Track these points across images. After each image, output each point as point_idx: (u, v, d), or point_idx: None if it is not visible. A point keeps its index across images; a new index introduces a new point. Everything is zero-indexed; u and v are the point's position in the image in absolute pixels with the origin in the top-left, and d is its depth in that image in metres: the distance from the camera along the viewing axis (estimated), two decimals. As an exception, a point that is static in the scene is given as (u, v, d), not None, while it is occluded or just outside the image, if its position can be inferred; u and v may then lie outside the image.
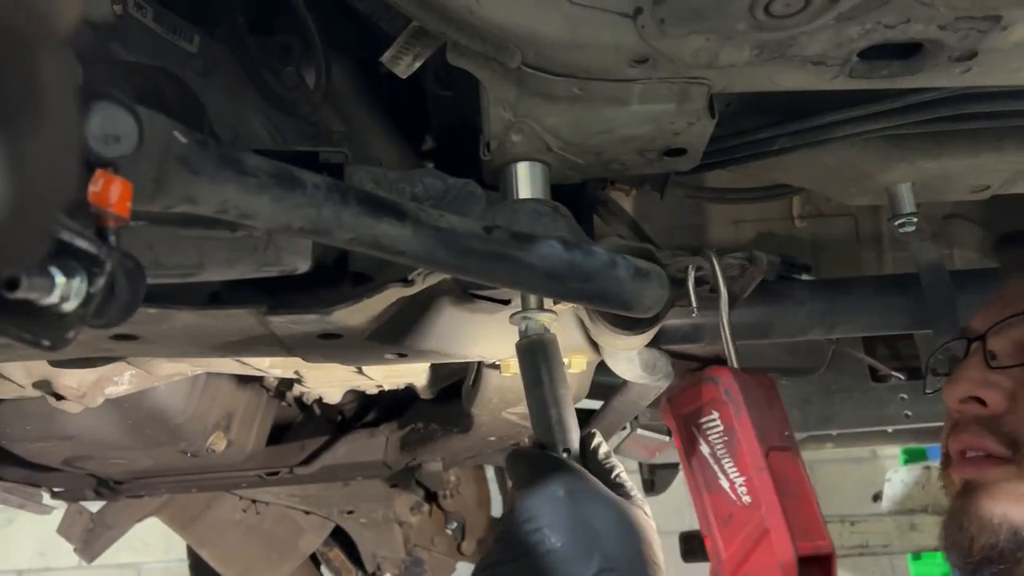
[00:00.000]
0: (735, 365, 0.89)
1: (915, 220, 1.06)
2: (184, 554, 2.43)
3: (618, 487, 0.78)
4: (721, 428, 0.85)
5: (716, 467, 0.85)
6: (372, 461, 1.74)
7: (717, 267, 0.83)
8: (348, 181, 0.76)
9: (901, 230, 1.07)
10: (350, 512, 2.11)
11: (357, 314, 0.82)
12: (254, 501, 2.08)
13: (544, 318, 0.81)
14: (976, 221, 1.50)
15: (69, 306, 0.46)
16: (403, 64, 0.81)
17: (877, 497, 3.09)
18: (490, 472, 2.43)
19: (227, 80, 0.96)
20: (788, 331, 1.20)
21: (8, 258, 0.39)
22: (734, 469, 0.83)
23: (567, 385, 0.80)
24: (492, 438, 1.56)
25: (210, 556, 2.09)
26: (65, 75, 0.40)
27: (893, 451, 3.68)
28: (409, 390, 1.56)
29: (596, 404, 1.56)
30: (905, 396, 1.57)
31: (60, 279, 0.46)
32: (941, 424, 0.98)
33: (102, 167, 0.49)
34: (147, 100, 0.79)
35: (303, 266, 0.74)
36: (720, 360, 0.99)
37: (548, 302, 0.84)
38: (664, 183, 1.09)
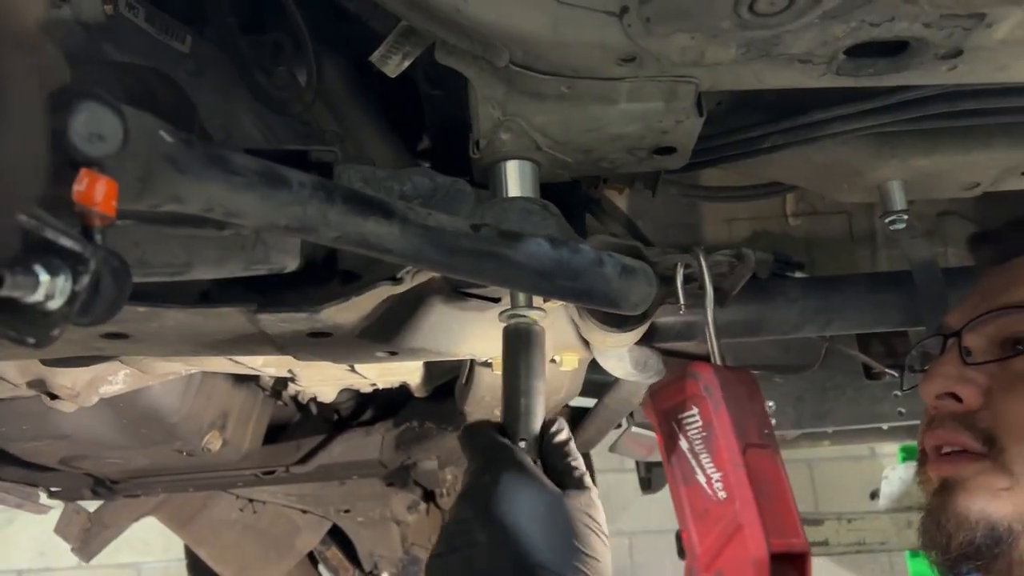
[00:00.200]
0: (718, 362, 0.89)
1: (906, 217, 1.06)
2: (184, 554, 2.43)
3: (570, 476, 0.80)
4: (700, 423, 0.86)
5: (694, 462, 0.85)
6: (368, 460, 1.74)
7: (703, 264, 0.83)
8: (337, 180, 0.77)
9: (892, 227, 1.07)
10: (347, 511, 2.12)
11: (346, 312, 0.82)
12: (251, 500, 2.08)
13: (533, 315, 0.82)
14: (970, 218, 1.51)
15: (54, 304, 0.47)
16: (392, 63, 0.81)
17: (875, 495, 3.09)
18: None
19: (219, 80, 0.97)
20: (781, 328, 1.21)
21: None
22: (711, 464, 0.84)
23: (543, 377, 0.81)
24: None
25: (207, 555, 2.10)
26: (30, 73, 0.41)
27: (891, 449, 3.68)
28: (404, 389, 1.56)
29: (590, 402, 1.57)
30: (899, 393, 1.57)
31: (44, 277, 0.46)
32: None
33: (87, 166, 0.49)
34: (138, 100, 0.80)
35: (292, 264, 0.74)
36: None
37: (538, 300, 0.84)
38: (655, 181, 1.09)
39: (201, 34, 0.96)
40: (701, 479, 0.84)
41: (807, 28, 0.69)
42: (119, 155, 0.51)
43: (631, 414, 1.71)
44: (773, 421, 1.58)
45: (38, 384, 1.16)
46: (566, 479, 0.79)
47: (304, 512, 2.13)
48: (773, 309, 1.18)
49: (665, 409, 0.89)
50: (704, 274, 0.83)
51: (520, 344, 0.81)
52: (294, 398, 1.74)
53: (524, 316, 0.82)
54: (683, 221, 1.50)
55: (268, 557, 2.10)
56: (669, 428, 0.88)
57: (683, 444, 0.86)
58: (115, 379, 1.22)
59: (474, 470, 0.79)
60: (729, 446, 0.83)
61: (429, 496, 2.25)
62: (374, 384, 1.45)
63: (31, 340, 0.46)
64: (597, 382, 1.53)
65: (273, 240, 0.72)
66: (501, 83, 0.79)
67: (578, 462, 0.81)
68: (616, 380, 1.29)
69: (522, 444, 0.80)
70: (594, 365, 1.16)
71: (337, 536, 2.25)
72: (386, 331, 0.91)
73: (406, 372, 1.36)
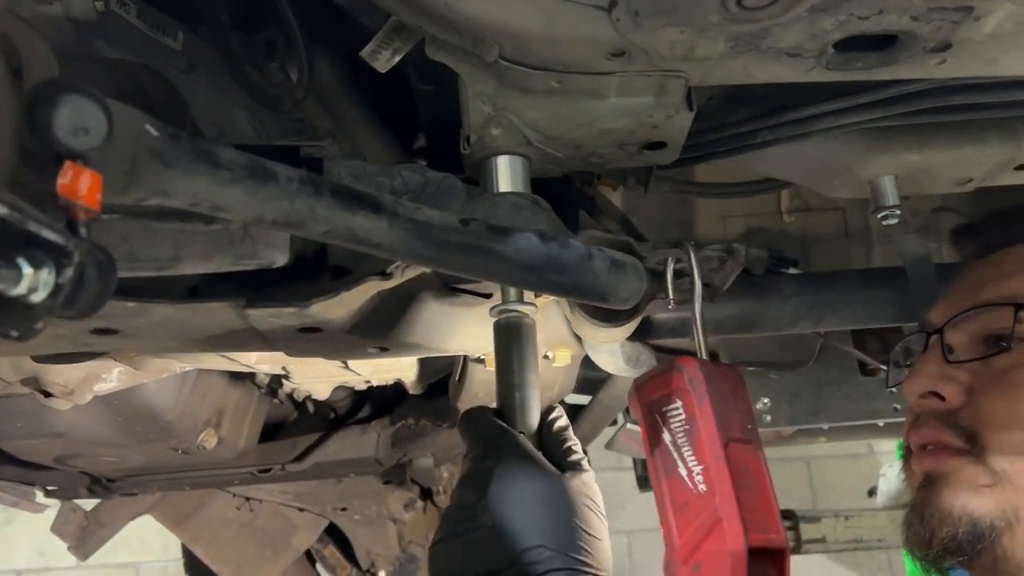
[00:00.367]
0: (704, 356, 0.89)
1: (898, 213, 1.06)
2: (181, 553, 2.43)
3: (569, 460, 0.81)
4: (683, 417, 0.86)
5: (676, 454, 0.85)
6: (364, 458, 1.75)
7: (693, 259, 0.83)
8: (327, 175, 0.77)
9: (885, 223, 1.07)
10: (344, 509, 2.12)
11: (336, 307, 0.82)
12: (247, 499, 2.09)
13: (524, 309, 0.82)
14: (964, 214, 1.50)
15: (37, 297, 0.47)
16: (382, 59, 0.81)
17: (872, 492, 3.10)
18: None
19: (211, 77, 0.97)
20: (775, 324, 1.21)
21: None
22: (692, 457, 0.84)
23: (537, 370, 0.81)
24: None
25: (204, 554, 2.10)
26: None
27: (889, 447, 3.68)
28: (400, 386, 1.56)
29: (585, 399, 1.57)
30: (894, 390, 1.57)
31: (28, 270, 0.46)
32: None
33: (71, 159, 0.50)
34: (129, 97, 0.80)
35: (281, 260, 0.74)
36: (708, 354, 0.99)
37: (529, 295, 0.84)
38: (647, 177, 1.09)
39: (194, 31, 0.96)
40: (682, 472, 0.84)
41: (795, 22, 0.69)
42: (104, 148, 0.51)
43: (626, 411, 1.72)
44: (768, 418, 1.58)
45: (31, 382, 1.16)
46: (565, 463, 0.81)
47: (301, 510, 2.13)
48: (767, 305, 1.18)
49: (649, 401, 0.88)
50: (693, 268, 0.83)
51: (512, 338, 0.81)
52: (290, 396, 1.74)
53: (515, 311, 0.82)
54: (678, 218, 1.50)
55: (265, 555, 2.10)
56: (653, 420, 0.87)
57: (666, 437, 0.86)
58: (109, 377, 1.22)
59: (475, 455, 0.80)
60: (711, 439, 0.83)
61: (426, 494, 2.25)
62: (368, 381, 1.45)
63: (14, 333, 0.46)
64: (591, 379, 1.53)
65: (261, 235, 0.72)
66: (491, 78, 0.79)
67: (577, 446, 0.83)
68: (610, 376, 1.29)
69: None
70: (588, 362, 1.17)
71: (334, 534, 2.25)
72: (377, 327, 0.91)
73: (400, 369, 1.36)
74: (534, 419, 0.82)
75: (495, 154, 0.86)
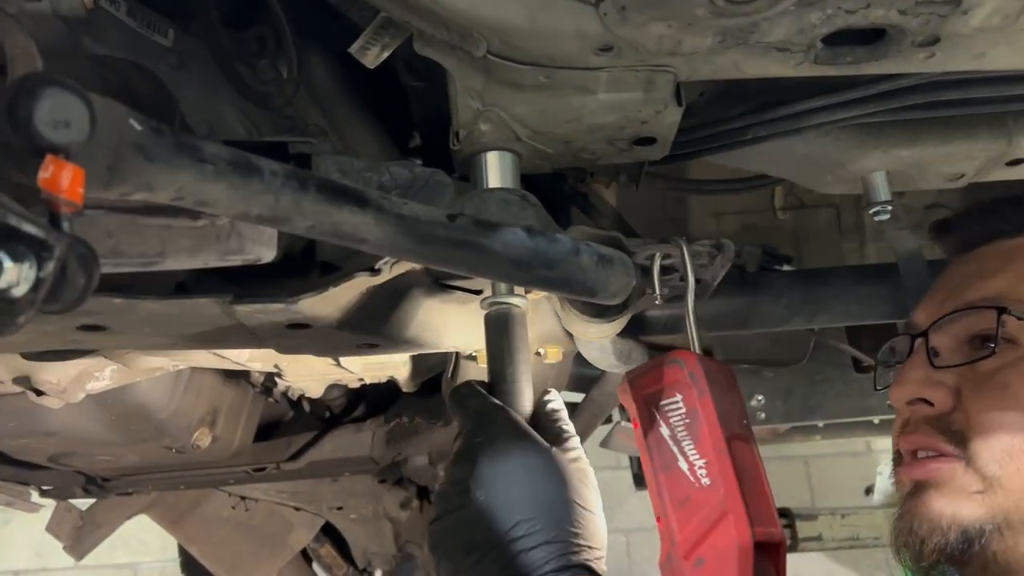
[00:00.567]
0: (698, 351, 0.89)
1: (890, 208, 1.06)
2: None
3: (561, 436, 0.82)
4: (683, 411, 0.85)
5: (675, 449, 0.85)
6: (359, 456, 1.75)
7: (685, 252, 0.83)
8: (315, 170, 0.76)
9: (876, 218, 1.07)
10: (340, 508, 2.12)
11: (323, 303, 0.82)
12: (243, 498, 2.08)
13: (514, 301, 0.82)
14: (957, 211, 1.50)
15: (19, 291, 0.47)
16: (371, 54, 0.81)
17: (870, 490, 3.10)
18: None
19: (202, 74, 0.97)
20: (768, 321, 1.21)
21: None
22: (694, 452, 0.83)
23: (528, 360, 0.82)
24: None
25: (199, 553, 2.10)
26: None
27: (887, 445, 3.67)
28: (394, 384, 1.56)
29: (578, 398, 1.57)
30: (881, 388, 1.57)
31: (8, 264, 0.46)
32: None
33: (52, 153, 0.49)
34: (117, 93, 0.79)
35: (268, 255, 0.74)
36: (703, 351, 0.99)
37: (519, 289, 0.84)
38: (639, 173, 1.09)
39: (184, 28, 0.96)
40: (683, 466, 0.84)
41: (783, 15, 0.69)
42: (86, 142, 0.51)
43: (621, 408, 1.72)
44: (762, 415, 1.58)
45: (23, 380, 1.16)
46: (557, 440, 0.81)
47: (297, 509, 2.13)
48: (760, 302, 1.18)
49: (645, 395, 0.88)
50: (686, 263, 0.83)
51: (502, 328, 0.82)
52: (285, 395, 1.74)
53: (505, 302, 0.82)
54: (671, 215, 1.50)
55: (260, 554, 2.10)
56: (648, 414, 0.87)
57: (664, 431, 0.86)
58: (102, 375, 1.21)
59: (467, 431, 0.80)
60: (714, 434, 0.83)
61: (422, 493, 2.25)
62: (361, 379, 1.45)
63: (-6, 327, 0.45)
64: (584, 376, 1.53)
65: (249, 231, 0.72)
66: (479, 73, 0.79)
67: (570, 426, 0.84)
68: (603, 374, 1.29)
69: None
70: (581, 359, 1.16)
71: (331, 533, 2.25)
72: (366, 323, 0.91)
73: (393, 367, 1.36)
74: (526, 400, 0.82)
75: (484, 150, 0.86)
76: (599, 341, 1.00)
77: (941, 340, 0.91)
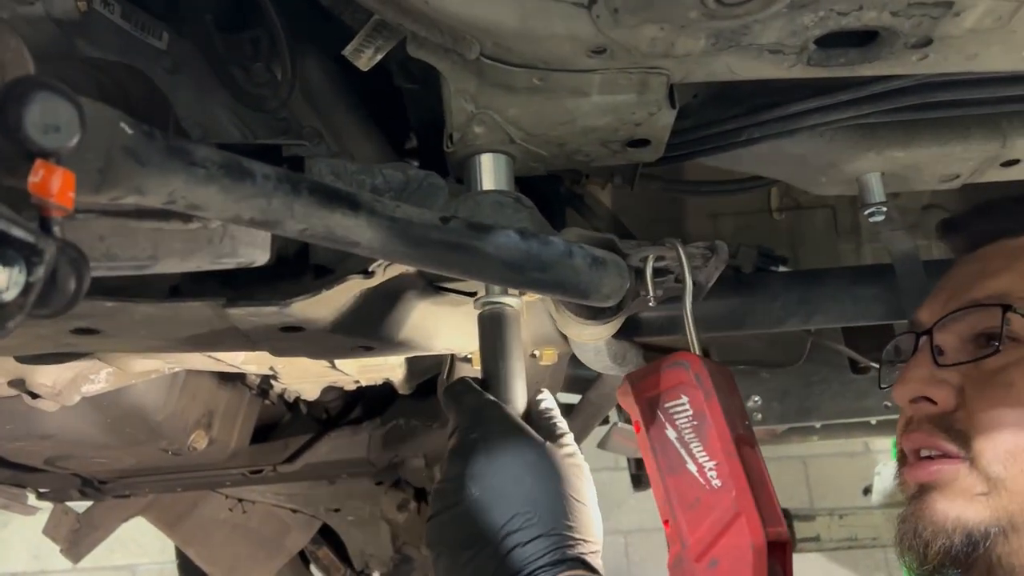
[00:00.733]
0: (697, 353, 0.89)
1: (884, 209, 1.06)
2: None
3: (554, 433, 0.83)
4: (690, 412, 0.85)
5: (683, 451, 0.84)
6: (355, 458, 1.75)
7: (681, 254, 0.83)
8: (308, 173, 0.76)
9: (871, 219, 1.07)
10: (337, 510, 2.12)
11: (317, 306, 0.82)
12: (240, 500, 2.08)
13: (507, 301, 0.82)
14: (953, 212, 1.51)
15: (8, 296, 0.47)
16: (364, 57, 0.81)
17: (868, 490, 3.10)
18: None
19: (196, 77, 0.97)
20: (763, 322, 1.21)
21: None
22: (703, 453, 0.83)
23: (522, 359, 0.83)
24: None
25: (196, 555, 2.09)
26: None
27: (885, 445, 3.68)
28: (391, 387, 1.56)
29: (575, 399, 1.57)
30: (885, 387, 1.57)
31: (-2, 268, 0.46)
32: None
33: (43, 157, 0.49)
34: (111, 97, 0.79)
35: (261, 259, 0.74)
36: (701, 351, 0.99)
37: (512, 290, 0.84)
38: (633, 175, 1.09)
39: (179, 31, 0.96)
40: (692, 468, 0.83)
41: (775, 18, 0.69)
42: (76, 146, 0.51)
43: (618, 409, 1.72)
44: (759, 416, 1.58)
45: (18, 384, 1.16)
46: (551, 436, 0.82)
47: (294, 511, 2.13)
48: (755, 303, 1.19)
49: (648, 398, 0.87)
50: (683, 264, 0.83)
51: (495, 328, 0.83)
52: (281, 397, 1.74)
53: (498, 302, 0.82)
54: (667, 217, 1.50)
55: (258, 556, 2.10)
56: (652, 417, 0.86)
57: (670, 433, 0.85)
58: (97, 378, 1.21)
59: (462, 428, 0.81)
60: (723, 435, 0.82)
61: (420, 495, 2.25)
62: (357, 382, 1.45)
63: (-16, 331, 0.45)
64: (580, 377, 1.53)
65: (241, 234, 0.71)
66: (473, 76, 0.79)
67: (563, 422, 0.84)
68: (598, 375, 1.29)
69: None
70: (577, 361, 1.16)
71: (328, 535, 2.25)
72: (360, 326, 0.91)
73: (388, 369, 1.36)
74: (520, 398, 0.83)
75: (478, 152, 0.86)
76: (594, 343, 1.00)
77: (945, 338, 0.91)
